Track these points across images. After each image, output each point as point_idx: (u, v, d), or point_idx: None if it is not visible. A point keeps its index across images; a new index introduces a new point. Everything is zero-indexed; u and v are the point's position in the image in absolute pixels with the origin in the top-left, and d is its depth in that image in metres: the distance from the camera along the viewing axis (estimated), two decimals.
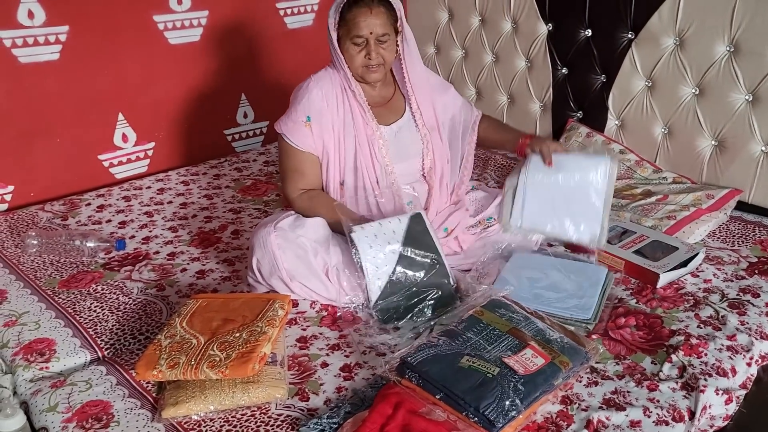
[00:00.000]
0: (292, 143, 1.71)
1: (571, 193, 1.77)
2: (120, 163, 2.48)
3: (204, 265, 1.85)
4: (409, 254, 1.58)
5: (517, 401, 1.17)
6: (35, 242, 1.89)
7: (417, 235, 1.60)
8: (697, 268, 1.73)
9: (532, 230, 1.80)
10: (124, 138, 2.46)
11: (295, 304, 1.61)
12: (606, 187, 1.76)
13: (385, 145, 1.74)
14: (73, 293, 1.71)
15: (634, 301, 1.60)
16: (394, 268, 1.56)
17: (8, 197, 2.25)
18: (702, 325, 1.50)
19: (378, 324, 1.52)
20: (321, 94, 1.71)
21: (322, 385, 1.34)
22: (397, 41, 1.73)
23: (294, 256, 1.57)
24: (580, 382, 1.33)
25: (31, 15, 2.11)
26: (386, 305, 1.54)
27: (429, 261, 1.59)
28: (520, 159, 1.89)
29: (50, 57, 2.20)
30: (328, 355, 1.44)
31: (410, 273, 1.57)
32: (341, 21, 1.66)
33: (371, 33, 1.64)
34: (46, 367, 1.44)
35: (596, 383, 1.33)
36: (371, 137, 1.73)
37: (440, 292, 1.57)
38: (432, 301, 1.55)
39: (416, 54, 1.79)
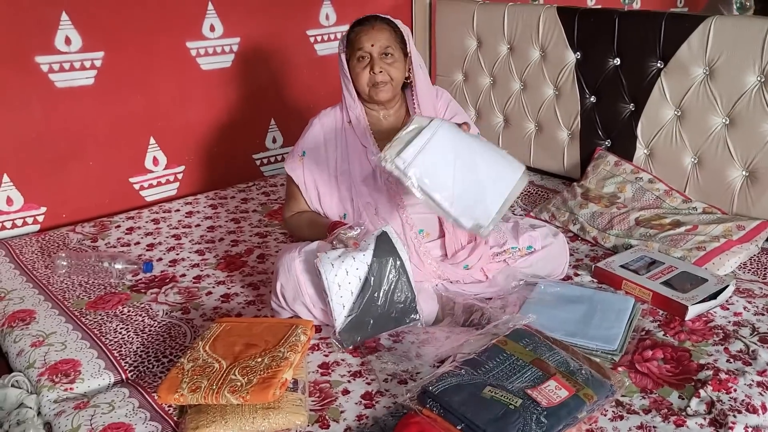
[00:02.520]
0: (289, 173, 1.82)
1: (476, 171, 1.47)
2: (150, 186, 2.53)
3: (229, 288, 1.86)
4: (374, 270, 1.52)
5: None
6: (65, 263, 1.93)
7: (383, 252, 1.54)
8: (727, 301, 1.69)
9: (416, 176, 1.43)
10: (155, 161, 2.51)
11: (318, 329, 1.61)
12: (512, 189, 1.48)
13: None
14: (100, 314, 1.73)
15: (662, 333, 1.57)
16: (360, 286, 1.51)
17: (41, 218, 2.30)
18: (732, 360, 1.46)
19: (340, 350, 1.52)
20: (321, 131, 1.77)
21: (342, 412, 1.33)
22: (409, 67, 1.76)
23: (318, 282, 1.57)
24: (605, 415, 1.30)
25: (68, 41, 2.18)
26: (351, 326, 1.52)
27: (394, 275, 1.54)
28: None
29: (85, 82, 2.26)
30: (349, 382, 1.43)
31: (375, 289, 1.52)
32: (348, 45, 1.71)
33: (373, 45, 1.68)
34: (71, 388, 1.46)
35: (621, 417, 1.29)
36: (374, 165, 1.74)
37: (403, 305, 1.55)
38: (395, 315, 1.54)
39: (425, 80, 1.79)
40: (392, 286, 1.54)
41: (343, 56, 1.74)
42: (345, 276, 1.50)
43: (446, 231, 1.76)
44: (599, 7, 2.35)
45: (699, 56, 2.05)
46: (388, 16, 1.75)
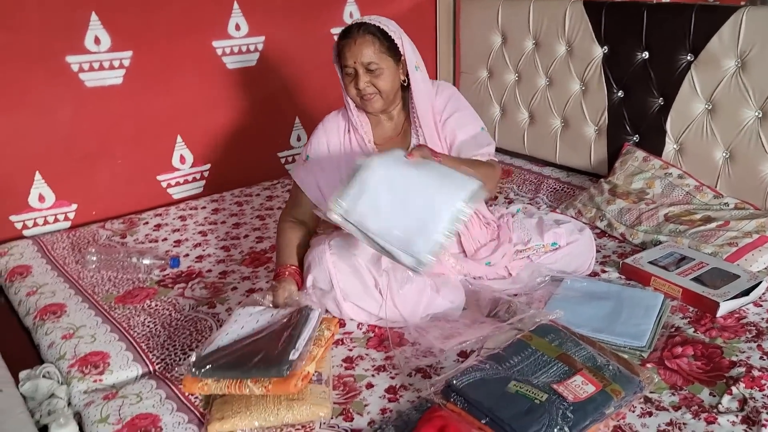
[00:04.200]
0: (293, 177, 1.80)
1: (414, 206, 1.40)
2: (177, 184, 2.56)
3: (254, 284, 1.87)
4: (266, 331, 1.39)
5: (566, 429, 1.13)
6: (95, 258, 1.96)
7: (298, 324, 1.39)
8: (760, 298, 1.66)
9: (356, 222, 1.41)
10: (182, 159, 2.54)
11: (342, 324, 1.61)
12: (455, 213, 1.37)
13: None
14: (128, 308, 1.76)
15: (692, 330, 1.54)
16: (248, 334, 1.39)
17: (71, 215, 2.34)
18: (765, 357, 1.42)
19: (193, 373, 1.31)
20: (324, 136, 1.77)
21: (366, 405, 1.33)
22: (406, 71, 1.67)
23: (349, 274, 1.58)
24: (633, 412, 1.27)
25: (97, 41, 2.22)
26: (210, 355, 1.34)
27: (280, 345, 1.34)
28: None
29: (114, 81, 2.29)
30: (373, 376, 1.43)
31: (256, 343, 1.37)
32: (338, 56, 1.67)
33: (355, 62, 1.61)
34: (100, 380, 1.48)
35: (650, 414, 1.27)
36: None
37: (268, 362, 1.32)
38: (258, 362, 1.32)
39: (422, 81, 1.69)
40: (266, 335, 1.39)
41: (336, 66, 1.69)
42: (242, 329, 1.41)
43: (460, 230, 1.73)
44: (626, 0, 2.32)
45: (731, 48, 2.01)
46: (377, 22, 1.63)
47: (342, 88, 1.70)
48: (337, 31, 2.75)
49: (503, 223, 1.82)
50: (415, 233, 1.38)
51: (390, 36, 1.62)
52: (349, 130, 1.76)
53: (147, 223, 2.31)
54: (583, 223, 2.03)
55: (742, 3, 3.48)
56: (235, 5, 2.48)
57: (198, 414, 1.33)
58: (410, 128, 1.75)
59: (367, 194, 1.40)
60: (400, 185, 1.41)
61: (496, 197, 2.40)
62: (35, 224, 2.28)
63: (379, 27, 1.62)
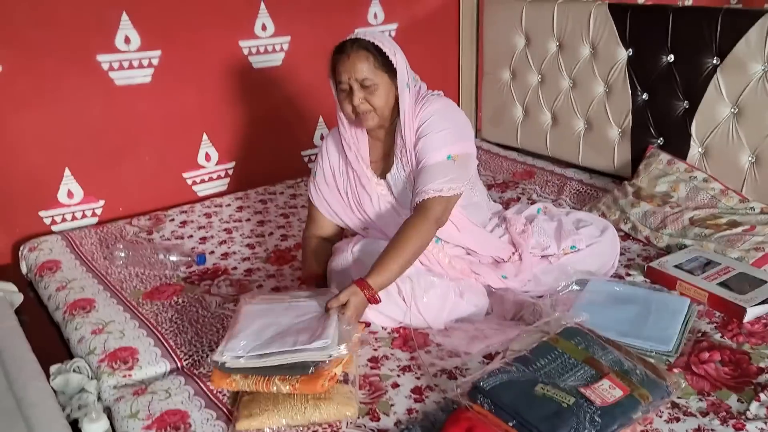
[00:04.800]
0: (309, 192, 1.82)
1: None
2: (202, 182, 2.59)
3: (279, 282, 1.89)
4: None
5: None
6: (122, 255, 1.99)
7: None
8: None
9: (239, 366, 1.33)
10: (207, 157, 2.57)
11: (367, 324, 1.62)
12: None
13: (387, 195, 1.71)
14: (156, 305, 1.78)
15: (719, 335, 1.54)
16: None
17: (99, 211, 2.38)
18: None
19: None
20: (326, 153, 1.78)
21: (392, 406, 1.35)
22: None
23: None
24: (661, 417, 1.28)
25: (127, 40, 2.25)
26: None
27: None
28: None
29: (143, 80, 2.32)
30: (399, 376, 1.44)
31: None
32: (333, 71, 1.63)
33: (349, 78, 1.57)
34: (129, 375, 1.51)
35: (678, 419, 1.27)
36: (370, 190, 1.71)
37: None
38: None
39: (409, 102, 1.61)
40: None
41: (331, 82, 1.65)
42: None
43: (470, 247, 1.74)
44: (651, 3, 2.30)
45: (758, 52, 1.99)
46: (371, 37, 1.59)
47: (336, 104, 1.68)
48: (362, 31, 2.76)
49: (524, 243, 1.77)
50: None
51: (384, 52, 1.57)
52: (342, 146, 1.74)
53: (173, 220, 2.33)
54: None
55: (766, 6, 3.45)
56: (262, 6, 2.50)
57: (226, 411, 1.35)
58: (394, 149, 1.69)
59: (241, 331, 1.39)
60: (268, 323, 1.42)
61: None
62: (63, 220, 2.32)
63: (373, 43, 1.57)
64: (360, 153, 1.71)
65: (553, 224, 1.85)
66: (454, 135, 1.62)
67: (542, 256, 1.79)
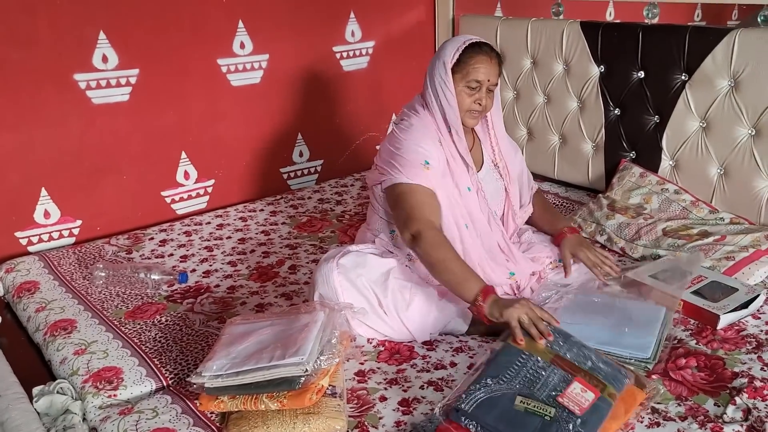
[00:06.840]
0: (414, 182, 1.63)
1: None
2: (181, 200, 2.58)
3: (263, 298, 1.90)
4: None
5: None
6: (103, 274, 1.98)
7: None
8: (758, 310, 1.70)
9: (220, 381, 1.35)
10: (186, 175, 2.57)
11: (353, 338, 1.64)
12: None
13: (481, 187, 1.78)
14: (139, 324, 1.78)
15: (694, 342, 1.58)
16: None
17: (76, 231, 2.36)
18: (766, 368, 1.47)
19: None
20: (426, 141, 1.68)
21: (381, 418, 1.36)
22: None
23: (355, 293, 1.60)
24: (642, 422, 1.31)
25: (105, 59, 2.25)
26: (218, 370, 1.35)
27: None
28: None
29: (121, 98, 2.32)
30: (386, 389, 1.46)
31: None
32: (459, 64, 1.67)
33: (488, 80, 1.67)
34: (114, 395, 1.49)
35: (658, 424, 1.31)
36: (474, 183, 1.76)
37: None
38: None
39: (499, 105, 1.83)
40: None
41: (449, 72, 1.66)
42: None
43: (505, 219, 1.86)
44: (619, 21, 2.37)
45: (724, 68, 2.07)
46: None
47: (442, 94, 1.67)
48: (339, 49, 2.80)
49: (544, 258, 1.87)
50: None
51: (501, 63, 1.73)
52: (443, 135, 1.72)
53: (152, 238, 2.32)
54: (584, 237, 2.07)
55: (728, 24, 3.58)
56: (240, 24, 2.52)
57: (215, 429, 1.35)
58: (476, 145, 1.83)
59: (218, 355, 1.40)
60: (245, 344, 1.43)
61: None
62: (40, 240, 2.29)
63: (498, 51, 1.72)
64: (462, 145, 1.74)
65: (540, 236, 1.94)
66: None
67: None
